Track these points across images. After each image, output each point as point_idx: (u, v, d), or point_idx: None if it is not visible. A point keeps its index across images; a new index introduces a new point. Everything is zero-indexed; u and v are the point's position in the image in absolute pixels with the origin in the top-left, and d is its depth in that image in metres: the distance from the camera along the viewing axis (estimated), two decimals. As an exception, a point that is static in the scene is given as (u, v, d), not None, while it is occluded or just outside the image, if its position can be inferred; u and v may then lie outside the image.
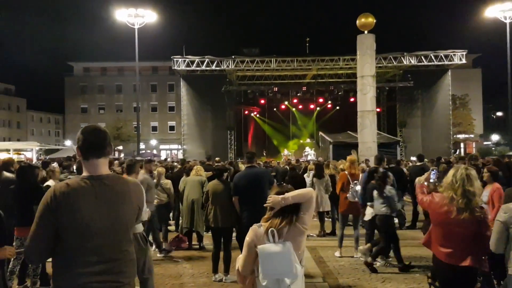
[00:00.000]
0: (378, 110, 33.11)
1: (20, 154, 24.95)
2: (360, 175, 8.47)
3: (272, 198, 3.06)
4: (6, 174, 7.42)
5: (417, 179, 5.46)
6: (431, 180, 4.38)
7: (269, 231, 2.95)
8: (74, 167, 11.04)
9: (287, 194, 3.05)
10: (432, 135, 36.38)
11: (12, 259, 5.90)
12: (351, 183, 8.20)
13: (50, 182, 7.69)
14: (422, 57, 33.86)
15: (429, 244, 3.98)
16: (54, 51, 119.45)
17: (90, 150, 2.52)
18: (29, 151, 27.36)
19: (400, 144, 32.20)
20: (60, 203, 2.36)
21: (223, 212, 6.75)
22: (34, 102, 70.07)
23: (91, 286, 2.38)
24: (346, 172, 8.51)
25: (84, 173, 2.54)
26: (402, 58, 33.78)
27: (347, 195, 8.17)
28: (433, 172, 4.50)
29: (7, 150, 25.57)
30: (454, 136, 43.46)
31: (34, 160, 23.57)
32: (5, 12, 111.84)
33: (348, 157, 8.86)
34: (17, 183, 6.24)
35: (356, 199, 8.04)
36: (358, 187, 7.98)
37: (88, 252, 2.39)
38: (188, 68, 33.64)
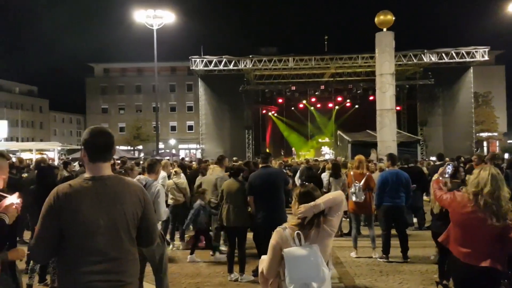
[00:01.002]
0: (398, 108, 32.67)
1: (42, 154, 25.39)
2: (373, 174, 8.39)
3: (303, 208, 2.95)
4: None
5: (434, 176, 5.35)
6: (446, 175, 4.26)
7: (296, 234, 2.91)
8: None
9: (317, 201, 2.97)
10: (454, 133, 35.71)
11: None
12: (353, 182, 8.15)
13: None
14: (443, 54, 33.24)
15: (447, 242, 3.88)
16: (75, 53, 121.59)
17: (98, 154, 2.57)
18: (51, 151, 27.86)
19: (421, 143, 31.72)
20: (63, 203, 2.41)
21: (236, 211, 6.76)
22: (56, 103, 71.54)
23: (94, 285, 2.41)
24: (352, 172, 8.44)
25: (86, 174, 2.58)
26: (422, 55, 33.24)
27: (352, 197, 8.14)
28: (449, 166, 4.38)
29: (30, 150, 26.11)
30: (477, 134, 42.61)
31: (56, 160, 24.00)
32: (28, 15, 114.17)
33: (356, 157, 8.80)
34: (36, 183, 6.37)
35: (354, 198, 8.02)
36: (357, 187, 7.97)
37: (91, 252, 2.43)
38: (206, 68, 33.77)
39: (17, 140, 51.39)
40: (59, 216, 2.40)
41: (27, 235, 9.17)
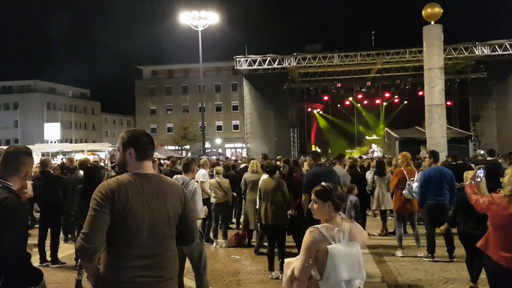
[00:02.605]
0: (448, 103, 31.50)
1: (94, 154, 26.50)
2: (416, 172, 8.12)
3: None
4: (81, 173, 7.95)
5: (465, 174, 5.11)
6: (478, 179, 4.08)
7: (336, 230, 2.88)
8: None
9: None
10: (509, 128, 33.98)
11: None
12: (407, 180, 7.88)
13: (201, 171, 8.94)
14: (496, 46, 31.70)
15: (486, 247, 3.69)
16: (124, 56, 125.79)
17: (146, 153, 2.69)
18: (103, 152, 28.97)
19: (473, 139, 30.44)
20: (113, 195, 2.49)
21: (274, 209, 6.76)
22: (107, 105, 74.23)
23: (137, 280, 2.48)
24: (403, 169, 8.20)
25: (130, 171, 2.66)
26: (473, 48, 31.85)
27: (403, 191, 7.86)
28: (480, 170, 4.18)
29: (82, 151, 27.30)
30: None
31: (107, 161, 24.90)
32: (79, 21, 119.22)
33: (402, 153, 8.55)
34: (83, 183, 6.64)
35: (410, 196, 7.74)
36: (415, 184, 7.65)
37: (135, 246, 2.50)
38: (250, 67, 33.95)
39: (71, 142, 53.83)
40: (107, 208, 2.47)
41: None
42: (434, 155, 7.89)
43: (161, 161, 19.02)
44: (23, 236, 2.79)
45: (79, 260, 6.57)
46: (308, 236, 2.92)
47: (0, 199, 2.59)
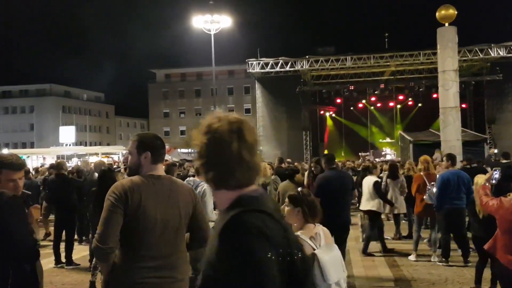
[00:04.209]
0: (463, 106, 31.15)
1: (108, 157, 26.71)
2: (437, 176, 8.02)
3: None
4: (96, 175, 8.04)
5: (475, 179, 5.05)
6: (493, 181, 4.04)
7: (315, 234, 2.91)
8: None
9: None
10: (526, 131, 33.47)
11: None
12: (427, 184, 7.78)
13: None
14: (512, 47, 31.30)
15: (494, 250, 3.66)
16: (138, 60, 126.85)
17: (160, 156, 2.76)
18: (116, 155, 29.20)
19: (488, 141, 30.04)
20: (124, 197, 2.53)
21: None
22: (121, 108, 74.88)
23: (149, 281, 2.51)
24: (422, 173, 8.11)
25: (144, 173, 2.70)
26: (489, 49, 31.42)
27: (424, 196, 7.77)
28: (495, 171, 4.14)
29: (97, 154, 27.57)
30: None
31: (120, 164, 25.12)
32: (93, 26, 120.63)
33: (422, 157, 8.46)
34: (97, 185, 6.72)
35: (430, 201, 7.63)
36: (435, 189, 7.57)
37: (146, 247, 2.53)
38: (262, 70, 33.97)
39: (85, 145, 54.34)
40: (121, 208, 2.52)
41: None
42: (451, 158, 7.80)
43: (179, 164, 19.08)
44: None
45: (93, 262, 6.64)
46: None
47: None
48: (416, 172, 9.16)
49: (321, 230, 2.99)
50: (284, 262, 1.38)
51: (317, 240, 2.90)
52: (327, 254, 2.81)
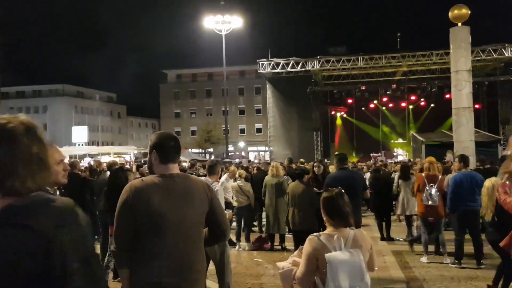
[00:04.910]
0: (477, 106, 30.82)
1: (120, 157, 26.92)
2: (446, 177, 7.95)
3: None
4: (108, 175, 8.10)
5: (485, 183, 4.99)
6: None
7: (336, 238, 2.85)
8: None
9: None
10: (541, 132, 32.99)
11: (107, 254, 6.37)
12: (426, 185, 7.73)
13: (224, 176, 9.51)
14: (527, 47, 30.88)
15: (509, 247, 3.62)
16: (149, 61, 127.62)
17: (168, 156, 2.71)
18: (128, 155, 29.44)
19: (502, 142, 29.66)
20: (136, 197, 2.54)
21: (301, 214, 6.71)
22: (133, 109, 75.35)
23: (164, 280, 2.50)
24: (423, 174, 8.04)
25: (156, 173, 2.71)
26: (502, 49, 31.04)
27: (422, 197, 7.73)
28: None
29: (109, 154, 27.82)
30: None
31: (132, 163, 25.29)
32: (105, 27, 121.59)
33: (427, 158, 8.40)
34: (108, 185, 6.75)
35: (430, 202, 7.56)
36: (433, 190, 7.51)
37: (161, 246, 2.53)
38: (273, 71, 33.95)
39: (98, 145, 54.80)
40: (134, 210, 2.53)
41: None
42: (464, 159, 7.73)
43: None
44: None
45: (105, 261, 6.68)
46: (307, 245, 2.91)
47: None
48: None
49: (353, 233, 2.93)
50: None
51: (341, 241, 2.86)
52: (342, 258, 2.77)
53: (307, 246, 2.91)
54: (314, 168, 8.95)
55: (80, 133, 38.47)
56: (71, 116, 57.40)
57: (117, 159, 23.12)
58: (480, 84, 33.43)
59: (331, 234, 2.91)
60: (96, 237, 9.87)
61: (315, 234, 2.97)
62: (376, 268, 3.09)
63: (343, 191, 3.13)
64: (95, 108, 68.65)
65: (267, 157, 37.91)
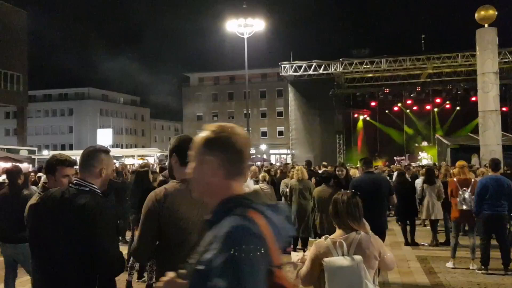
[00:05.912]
0: (504, 109, 30.14)
1: (143, 159, 27.28)
2: (473, 180, 7.79)
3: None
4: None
5: None
6: None
7: (338, 243, 2.84)
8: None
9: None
10: None
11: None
12: (459, 189, 7.58)
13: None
14: (556, 48, 30.01)
15: None
16: (172, 64, 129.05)
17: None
18: (151, 157, 29.79)
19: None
20: (161, 205, 2.56)
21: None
22: (156, 112, 76.33)
23: None
24: (455, 179, 7.89)
25: (177, 178, 2.74)
26: (531, 51, 30.29)
27: (456, 202, 7.58)
28: None
29: (132, 156, 28.21)
30: None
31: (155, 166, 25.59)
32: (129, 32, 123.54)
33: (458, 162, 8.24)
34: (133, 187, 6.87)
35: (465, 207, 7.41)
36: (467, 194, 7.35)
37: (186, 250, 2.56)
38: (295, 74, 33.87)
39: (121, 147, 55.60)
40: (158, 217, 2.55)
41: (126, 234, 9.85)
42: (494, 163, 7.57)
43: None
44: (115, 237, 2.88)
45: (130, 261, 6.78)
46: (313, 247, 2.93)
47: (80, 205, 2.61)
48: (451, 177, 8.94)
49: (359, 238, 2.90)
50: None
51: (343, 246, 2.85)
52: (340, 263, 2.75)
53: (312, 249, 2.94)
54: (337, 172, 8.90)
55: (105, 135, 39.18)
56: (96, 119, 58.47)
57: (139, 162, 23.46)
58: (507, 87, 32.68)
59: (336, 238, 2.90)
60: (120, 238, 10.04)
61: (323, 237, 2.98)
62: (395, 266, 3.05)
63: (357, 194, 3.11)
64: (119, 111, 69.76)
65: (289, 160, 37.77)
